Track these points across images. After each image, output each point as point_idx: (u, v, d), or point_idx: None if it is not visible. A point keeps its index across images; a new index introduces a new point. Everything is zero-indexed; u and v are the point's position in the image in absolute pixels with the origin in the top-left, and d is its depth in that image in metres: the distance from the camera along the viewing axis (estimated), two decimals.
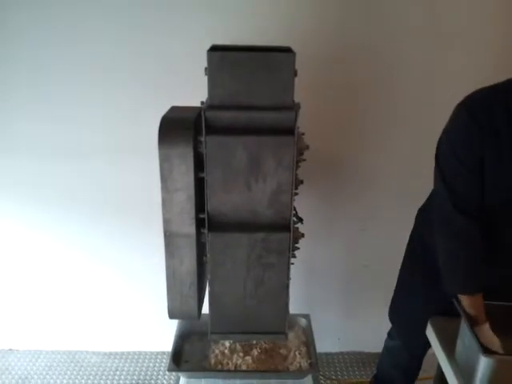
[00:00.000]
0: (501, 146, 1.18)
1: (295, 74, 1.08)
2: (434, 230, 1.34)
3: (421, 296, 1.54)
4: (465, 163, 1.22)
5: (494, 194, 1.24)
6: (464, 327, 1.20)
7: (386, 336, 1.83)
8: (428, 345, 1.47)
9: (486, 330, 1.22)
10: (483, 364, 1.07)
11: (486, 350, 1.08)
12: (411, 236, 1.62)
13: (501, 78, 1.23)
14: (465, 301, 1.25)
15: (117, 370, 2.27)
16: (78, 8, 1.72)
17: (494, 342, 1.20)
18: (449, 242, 1.28)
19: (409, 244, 1.63)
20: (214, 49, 1.11)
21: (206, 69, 1.06)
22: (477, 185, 1.23)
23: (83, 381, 2.20)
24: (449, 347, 1.29)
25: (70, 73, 1.82)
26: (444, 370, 1.29)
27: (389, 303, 1.72)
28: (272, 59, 1.07)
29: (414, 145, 1.92)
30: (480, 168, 1.21)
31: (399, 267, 1.67)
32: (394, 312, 1.70)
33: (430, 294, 1.50)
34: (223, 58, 1.06)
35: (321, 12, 1.74)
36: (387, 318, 1.73)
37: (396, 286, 1.70)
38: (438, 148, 1.31)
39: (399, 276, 1.68)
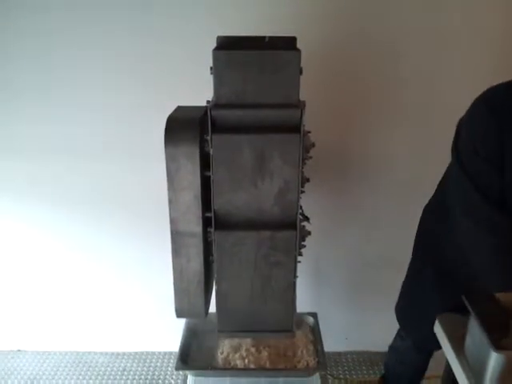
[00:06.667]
0: None
1: (301, 72, 1.08)
2: (449, 226, 1.32)
3: (434, 290, 1.51)
4: (487, 158, 1.20)
5: None
6: (473, 323, 1.19)
7: (393, 335, 1.82)
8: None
9: None
10: (494, 360, 1.06)
11: (498, 346, 1.07)
12: (420, 233, 1.60)
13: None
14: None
15: (124, 370, 2.28)
16: (78, 12, 1.74)
17: None
18: (486, 238, 1.22)
19: (418, 241, 1.61)
20: (219, 46, 1.11)
21: (211, 68, 1.06)
22: (498, 179, 1.20)
23: (91, 381, 2.21)
24: (458, 344, 1.28)
25: (71, 74, 1.83)
26: (453, 367, 1.27)
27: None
28: (278, 57, 1.07)
29: (422, 143, 1.91)
30: (501, 161, 1.18)
31: (407, 265, 1.66)
32: (403, 311, 1.68)
33: (443, 289, 1.47)
34: (229, 57, 1.06)
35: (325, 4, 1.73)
36: (395, 317, 1.72)
37: (404, 284, 1.67)
38: (455, 143, 1.29)
39: (408, 274, 1.66)
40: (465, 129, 1.26)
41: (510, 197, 1.21)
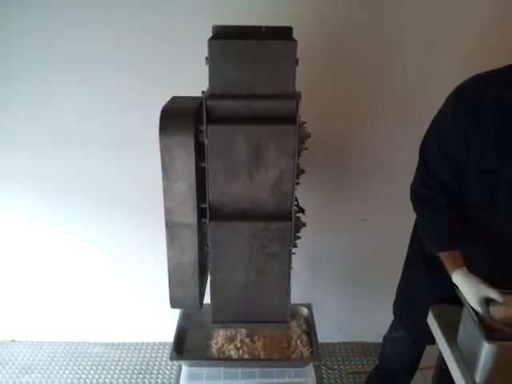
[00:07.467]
0: (487, 135, 1.21)
1: (296, 63, 1.07)
2: None
3: (426, 283, 1.53)
4: (446, 150, 1.28)
5: (478, 182, 1.28)
6: (466, 314, 1.20)
7: (386, 326, 1.83)
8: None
9: (465, 273, 1.24)
10: (486, 350, 1.07)
11: (490, 337, 1.08)
12: (415, 227, 1.61)
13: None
14: (442, 256, 1.32)
15: (119, 360, 2.29)
16: (78, 10, 1.74)
17: (479, 286, 1.19)
18: (417, 207, 1.41)
19: (413, 236, 1.62)
20: (215, 36, 1.10)
21: (206, 58, 1.05)
22: (452, 171, 1.29)
23: (85, 371, 2.22)
24: (450, 335, 1.29)
25: (70, 71, 1.83)
26: (445, 357, 1.29)
27: (390, 293, 1.72)
28: (273, 48, 1.05)
29: (417, 133, 1.90)
30: (461, 155, 1.26)
31: (400, 258, 1.67)
32: (400, 307, 1.69)
33: (434, 281, 1.49)
34: (224, 47, 1.05)
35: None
36: (388, 308, 1.73)
37: (400, 280, 1.69)
38: (427, 130, 1.38)
39: (403, 270, 1.67)
40: (435, 119, 1.34)
41: (474, 186, 1.29)
